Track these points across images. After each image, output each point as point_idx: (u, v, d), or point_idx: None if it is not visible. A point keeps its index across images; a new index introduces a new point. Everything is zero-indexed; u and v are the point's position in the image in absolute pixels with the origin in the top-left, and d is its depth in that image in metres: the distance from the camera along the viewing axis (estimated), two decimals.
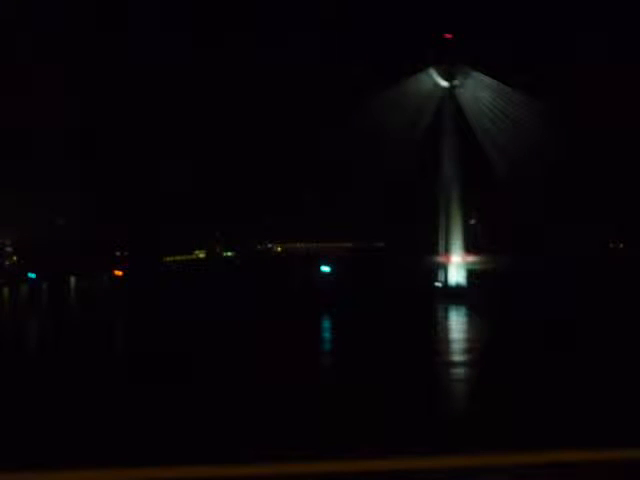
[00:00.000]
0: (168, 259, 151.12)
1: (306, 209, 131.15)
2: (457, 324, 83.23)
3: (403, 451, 6.81)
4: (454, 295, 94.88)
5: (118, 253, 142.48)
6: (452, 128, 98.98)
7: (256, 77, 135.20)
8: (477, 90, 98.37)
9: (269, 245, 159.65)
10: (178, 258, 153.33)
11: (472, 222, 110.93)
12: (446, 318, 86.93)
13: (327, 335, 75.79)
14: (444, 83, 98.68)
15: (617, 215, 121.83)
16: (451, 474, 6.30)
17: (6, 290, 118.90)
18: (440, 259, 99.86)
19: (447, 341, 70.20)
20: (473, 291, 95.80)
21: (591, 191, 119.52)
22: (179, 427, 35.45)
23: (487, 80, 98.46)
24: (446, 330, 78.98)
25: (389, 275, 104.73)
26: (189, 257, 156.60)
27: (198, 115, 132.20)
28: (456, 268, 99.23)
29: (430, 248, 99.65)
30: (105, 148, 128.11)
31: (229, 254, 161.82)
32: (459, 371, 54.38)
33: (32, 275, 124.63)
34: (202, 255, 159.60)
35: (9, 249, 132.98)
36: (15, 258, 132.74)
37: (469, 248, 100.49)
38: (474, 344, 65.23)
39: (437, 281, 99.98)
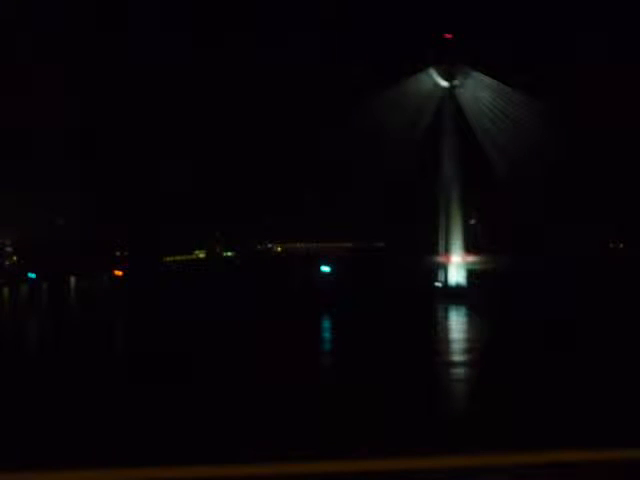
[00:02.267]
0: (168, 259, 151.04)
1: (306, 209, 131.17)
2: (457, 324, 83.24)
3: (403, 451, 6.81)
4: (454, 295, 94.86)
5: (118, 253, 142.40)
6: (452, 128, 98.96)
7: (256, 77, 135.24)
8: (477, 90, 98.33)
9: (269, 245, 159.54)
10: (178, 258, 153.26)
11: (472, 222, 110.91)
12: (446, 318, 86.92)
13: (327, 335, 75.81)
14: (444, 83, 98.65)
15: (617, 215, 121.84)
16: (451, 474, 6.30)
17: (6, 290, 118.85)
18: (440, 259, 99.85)
19: (447, 341, 70.22)
20: (473, 291, 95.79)
21: (591, 191, 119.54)
22: (179, 427, 35.46)
23: (487, 80, 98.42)
24: (446, 330, 78.99)
25: (389, 275, 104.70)
26: (189, 257, 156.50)
27: (198, 115, 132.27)
28: (456, 268, 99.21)
29: (430, 248, 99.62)
30: (105, 148, 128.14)
31: (229, 254, 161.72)
32: (459, 371, 54.41)
33: (32, 275, 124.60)
34: (202, 255, 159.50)
35: (9, 249, 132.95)
36: (15, 258, 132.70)
37: (469, 248, 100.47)
38: (474, 344, 65.25)
39: (437, 281, 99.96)
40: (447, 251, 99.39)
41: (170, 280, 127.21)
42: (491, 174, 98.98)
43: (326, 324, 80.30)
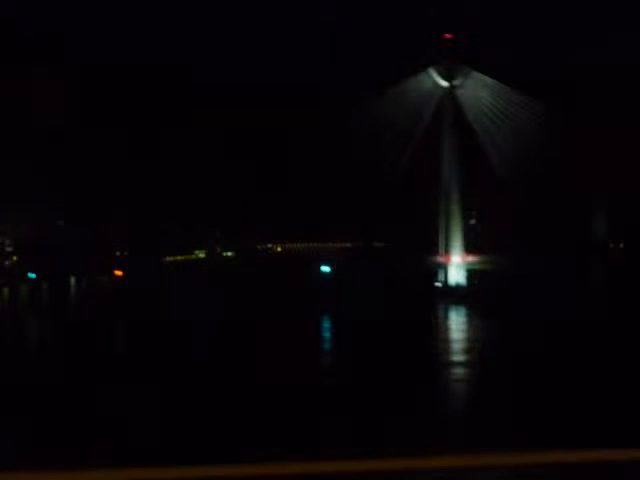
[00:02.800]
0: (168, 259, 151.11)
1: (306, 209, 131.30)
2: (457, 324, 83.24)
3: (403, 451, 6.81)
4: (454, 295, 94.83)
5: (118, 253, 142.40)
6: (452, 128, 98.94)
7: (255, 77, 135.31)
8: (477, 90, 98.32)
9: (269, 245, 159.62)
10: (178, 258, 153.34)
11: (472, 222, 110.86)
12: (446, 318, 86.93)
13: (327, 335, 75.82)
14: (444, 83, 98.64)
15: (617, 215, 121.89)
16: (451, 474, 6.31)
17: (6, 290, 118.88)
18: (440, 259, 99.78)
19: (447, 341, 70.23)
20: (473, 291, 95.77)
21: (590, 191, 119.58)
22: (179, 427, 35.45)
23: (487, 80, 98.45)
24: (446, 330, 79.00)
25: (389, 275, 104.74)
26: (189, 257, 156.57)
27: (198, 114, 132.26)
28: (456, 268, 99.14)
29: (430, 248, 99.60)
30: (105, 147, 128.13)
31: (229, 254, 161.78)
32: (459, 371, 54.40)
33: (32, 275, 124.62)
34: (202, 255, 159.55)
35: (9, 249, 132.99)
36: (15, 258, 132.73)
37: (469, 248, 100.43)
38: (474, 344, 65.28)
39: (437, 281, 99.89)
40: (447, 251, 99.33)
41: (170, 280, 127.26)
42: (491, 174, 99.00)
43: (326, 324, 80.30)
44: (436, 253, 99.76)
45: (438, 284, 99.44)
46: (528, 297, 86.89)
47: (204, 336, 65.90)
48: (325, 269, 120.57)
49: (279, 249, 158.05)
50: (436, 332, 74.07)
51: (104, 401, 41.43)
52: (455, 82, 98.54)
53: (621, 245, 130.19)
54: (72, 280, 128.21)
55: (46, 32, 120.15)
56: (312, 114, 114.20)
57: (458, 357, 60.04)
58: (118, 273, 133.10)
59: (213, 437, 33.31)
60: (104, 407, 39.90)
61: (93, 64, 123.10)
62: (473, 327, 78.72)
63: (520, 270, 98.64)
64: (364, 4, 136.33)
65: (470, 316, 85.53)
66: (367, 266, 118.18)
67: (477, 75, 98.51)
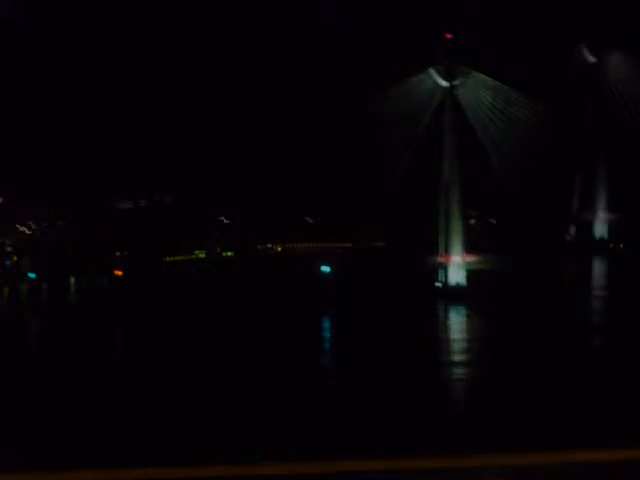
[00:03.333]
0: (168, 259, 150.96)
1: (307, 208, 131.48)
2: (457, 324, 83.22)
3: (403, 451, 6.83)
4: (454, 295, 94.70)
5: (118, 253, 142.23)
6: (452, 128, 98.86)
7: (255, 77, 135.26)
8: (477, 90, 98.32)
9: (269, 245, 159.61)
10: (178, 258, 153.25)
11: (472, 222, 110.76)
12: (446, 318, 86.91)
13: (327, 335, 75.81)
14: (444, 83, 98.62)
15: (616, 216, 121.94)
16: (451, 474, 6.31)
17: (6, 290, 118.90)
18: (440, 259, 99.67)
19: (447, 340, 70.25)
20: (473, 291, 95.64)
21: (590, 191, 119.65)
22: (180, 427, 35.46)
23: (487, 80, 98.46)
24: (446, 330, 79.00)
25: (389, 275, 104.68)
26: (189, 257, 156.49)
27: (199, 112, 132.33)
28: (456, 268, 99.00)
29: (430, 248, 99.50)
30: (105, 146, 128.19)
31: (229, 254, 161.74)
32: (459, 371, 54.42)
33: (32, 275, 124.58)
34: (202, 255, 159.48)
35: (9, 249, 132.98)
36: (15, 258, 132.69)
37: (469, 248, 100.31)
38: (473, 344, 65.30)
39: (437, 281, 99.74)
40: (447, 251, 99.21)
41: (170, 280, 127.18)
42: (491, 174, 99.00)
43: (326, 324, 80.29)
44: (436, 253, 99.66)
45: (438, 284, 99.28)
46: (527, 297, 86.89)
47: (203, 335, 65.84)
48: (325, 269, 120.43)
49: (279, 249, 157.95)
50: (435, 332, 74.09)
51: (103, 399, 41.43)
52: (455, 82, 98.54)
53: (621, 245, 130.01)
54: (72, 280, 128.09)
55: (46, 32, 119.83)
56: (312, 114, 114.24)
57: (457, 357, 60.07)
58: (118, 273, 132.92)
59: (214, 437, 33.38)
60: (103, 405, 39.89)
61: (93, 64, 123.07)
62: (473, 327, 78.75)
63: (520, 270, 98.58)
64: (364, 4, 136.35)
65: (470, 316, 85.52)
66: (367, 266, 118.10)
67: (477, 75, 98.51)
